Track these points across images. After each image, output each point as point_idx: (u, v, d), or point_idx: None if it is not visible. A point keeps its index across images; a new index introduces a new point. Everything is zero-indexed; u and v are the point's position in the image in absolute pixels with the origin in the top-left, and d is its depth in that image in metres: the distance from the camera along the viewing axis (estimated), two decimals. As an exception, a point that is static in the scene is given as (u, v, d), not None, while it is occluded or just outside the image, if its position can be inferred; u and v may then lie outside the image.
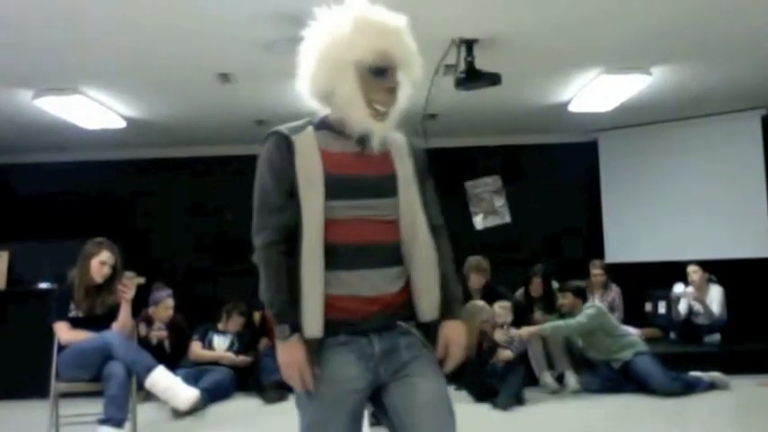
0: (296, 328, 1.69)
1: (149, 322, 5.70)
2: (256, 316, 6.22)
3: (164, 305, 5.77)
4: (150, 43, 4.36)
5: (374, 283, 1.74)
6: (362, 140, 1.77)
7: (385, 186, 1.78)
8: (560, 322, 5.45)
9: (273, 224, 1.74)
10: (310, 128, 1.79)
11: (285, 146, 1.75)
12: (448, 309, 1.82)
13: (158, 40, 4.32)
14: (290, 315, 1.70)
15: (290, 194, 1.72)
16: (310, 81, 1.78)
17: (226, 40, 4.33)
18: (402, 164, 1.82)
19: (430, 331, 1.80)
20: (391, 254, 1.78)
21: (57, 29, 4.05)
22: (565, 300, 5.64)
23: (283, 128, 1.80)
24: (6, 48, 4.32)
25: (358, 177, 1.75)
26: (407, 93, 1.79)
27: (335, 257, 1.70)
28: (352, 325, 1.73)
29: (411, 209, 1.79)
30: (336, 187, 1.71)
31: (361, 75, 1.71)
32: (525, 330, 5.33)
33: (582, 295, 5.71)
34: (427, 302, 1.79)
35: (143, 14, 3.89)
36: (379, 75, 1.72)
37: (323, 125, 1.81)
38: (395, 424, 1.76)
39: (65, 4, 3.71)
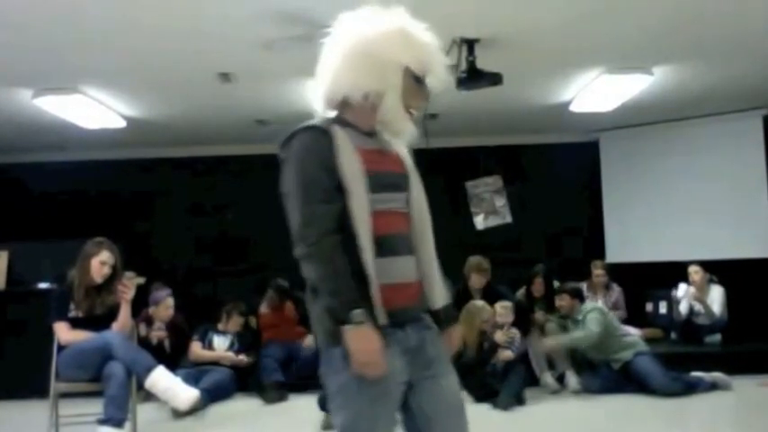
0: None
1: (149, 322, 5.69)
2: (252, 321, 6.21)
3: (164, 305, 5.75)
4: (150, 43, 4.35)
5: (404, 271, 1.82)
6: (380, 139, 1.86)
7: (401, 182, 1.87)
8: (579, 333, 5.40)
9: (327, 213, 1.72)
10: (337, 125, 1.81)
11: (326, 140, 1.76)
12: (449, 311, 1.91)
13: (158, 40, 4.31)
14: (361, 300, 1.67)
15: (337, 187, 1.74)
16: (344, 77, 1.79)
17: (226, 39, 4.33)
18: (408, 162, 1.93)
19: (439, 318, 1.89)
20: (409, 244, 1.86)
21: (57, 29, 4.05)
22: (562, 302, 5.64)
23: (317, 123, 1.81)
24: (6, 47, 4.32)
25: (385, 173, 1.82)
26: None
27: (376, 247, 1.74)
28: (394, 315, 1.73)
29: (420, 202, 1.89)
30: (372, 182, 1.76)
31: (405, 80, 1.79)
32: (548, 343, 5.37)
33: (579, 296, 5.71)
34: (438, 290, 1.88)
35: (143, 14, 3.89)
36: (420, 83, 1.83)
37: (345, 123, 1.83)
38: (418, 424, 1.80)
39: (65, 3, 3.71)
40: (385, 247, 1.75)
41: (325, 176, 1.72)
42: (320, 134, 1.77)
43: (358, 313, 1.65)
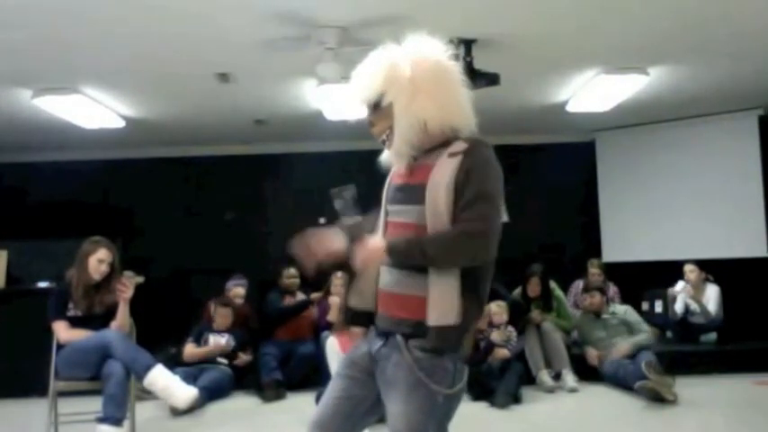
0: None
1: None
2: (254, 320, 6.23)
3: (233, 292, 6.17)
4: (149, 43, 4.37)
5: (382, 279, 1.91)
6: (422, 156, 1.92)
7: (411, 195, 1.87)
8: (642, 336, 5.57)
9: None
10: None
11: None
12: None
13: (157, 40, 4.33)
14: None
15: None
16: None
17: (225, 39, 4.35)
18: (439, 173, 1.83)
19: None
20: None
21: (56, 28, 4.06)
22: (593, 299, 5.82)
23: None
24: (5, 47, 4.33)
25: (396, 186, 1.96)
26: (400, 115, 1.89)
27: None
28: (378, 317, 1.93)
29: (432, 217, 1.81)
30: (386, 193, 2.01)
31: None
32: (621, 351, 5.47)
33: (605, 294, 5.97)
34: (433, 313, 1.79)
35: (142, 14, 3.91)
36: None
37: None
38: None
39: (64, 3, 3.72)
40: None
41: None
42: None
43: None
